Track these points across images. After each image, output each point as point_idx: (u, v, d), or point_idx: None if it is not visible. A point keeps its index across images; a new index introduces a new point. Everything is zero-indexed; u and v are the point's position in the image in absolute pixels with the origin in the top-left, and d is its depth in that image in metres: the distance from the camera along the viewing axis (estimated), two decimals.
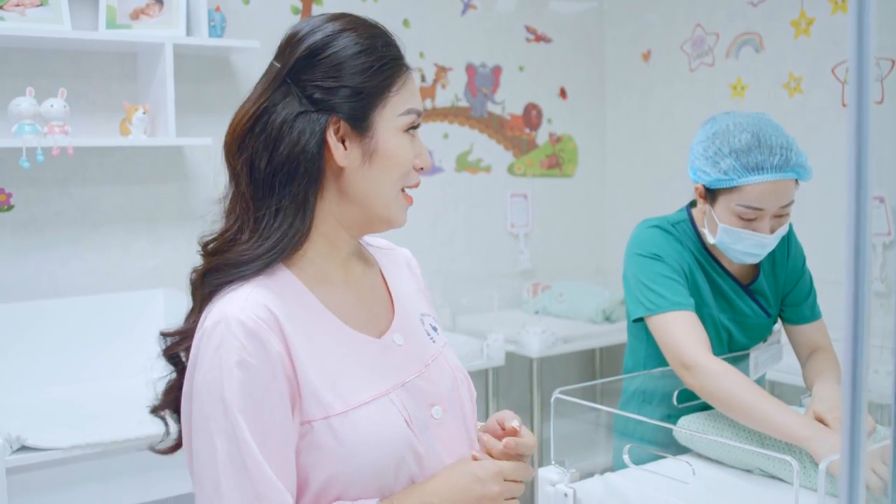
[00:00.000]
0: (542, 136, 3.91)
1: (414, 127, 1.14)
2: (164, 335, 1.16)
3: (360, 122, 1.09)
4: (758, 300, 1.88)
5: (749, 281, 1.88)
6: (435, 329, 1.27)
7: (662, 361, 1.78)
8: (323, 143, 1.08)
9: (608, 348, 3.74)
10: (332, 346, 1.09)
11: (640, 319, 1.80)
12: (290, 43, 1.13)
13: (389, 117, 1.11)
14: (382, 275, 1.27)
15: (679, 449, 1.75)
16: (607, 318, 3.40)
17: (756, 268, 1.90)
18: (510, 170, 3.82)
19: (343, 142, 1.10)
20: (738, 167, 1.65)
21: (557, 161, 3.97)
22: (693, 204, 1.89)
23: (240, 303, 1.04)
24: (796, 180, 1.70)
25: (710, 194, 1.73)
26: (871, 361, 2.19)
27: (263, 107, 1.10)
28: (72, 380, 2.64)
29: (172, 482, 2.22)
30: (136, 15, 2.70)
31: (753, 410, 1.59)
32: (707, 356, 1.66)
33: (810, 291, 1.92)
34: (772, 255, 1.90)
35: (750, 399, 1.60)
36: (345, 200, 1.13)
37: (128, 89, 2.85)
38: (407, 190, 1.16)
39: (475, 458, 1.16)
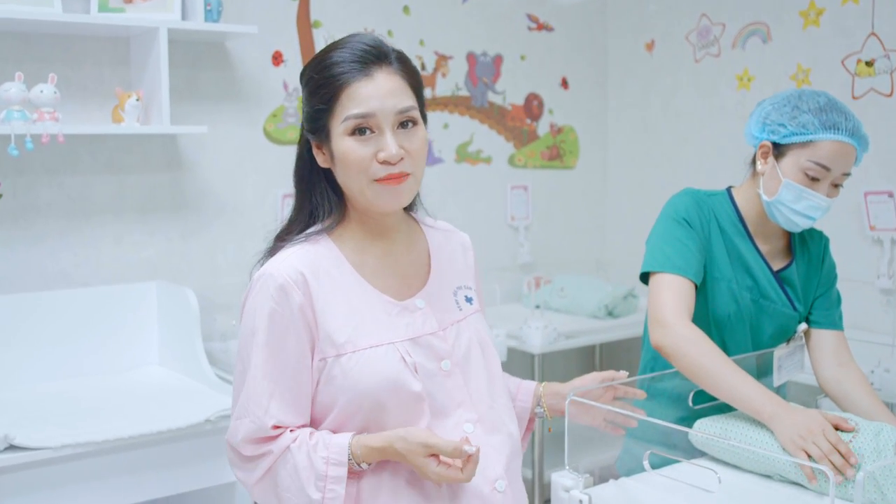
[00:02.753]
0: (543, 127, 3.84)
1: (360, 129, 1.31)
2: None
3: (318, 133, 1.36)
4: (785, 288, 1.88)
5: (780, 268, 1.89)
6: (469, 300, 1.47)
7: None
8: (310, 152, 1.40)
9: (609, 344, 3.68)
10: (354, 301, 1.35)
11: (647, 280, 1.84)
12: None
13: (336, 125, 1.33)
14: (429, 251, 1.49)
15: (692, 452, 1.69)
16: (610, 314, 3.34)
17: (790, 257, 1.91)
18: (511, 161, 3.75)
19: (321, 149, 1.37)
20: (816, 123, 1.73)
21: (558, 152, 3.90)
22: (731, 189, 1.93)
23: (277, 263, 1.34)
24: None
25: (779, 151, 1.78)
26: (882, 360, 2.13)
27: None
28: (62, 375, 2.57)
29: (163, 482, 2.17)
30: None
31: (719, 379, 1.62)
32: (684, 320, 1.71)
33: (838, 304, 1.95)
34: (808, 253, 1.92)
35: (717, 368, 1.63)
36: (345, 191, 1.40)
37: (120, 75, 2.77)
38: (381, 177, 1.32)
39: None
